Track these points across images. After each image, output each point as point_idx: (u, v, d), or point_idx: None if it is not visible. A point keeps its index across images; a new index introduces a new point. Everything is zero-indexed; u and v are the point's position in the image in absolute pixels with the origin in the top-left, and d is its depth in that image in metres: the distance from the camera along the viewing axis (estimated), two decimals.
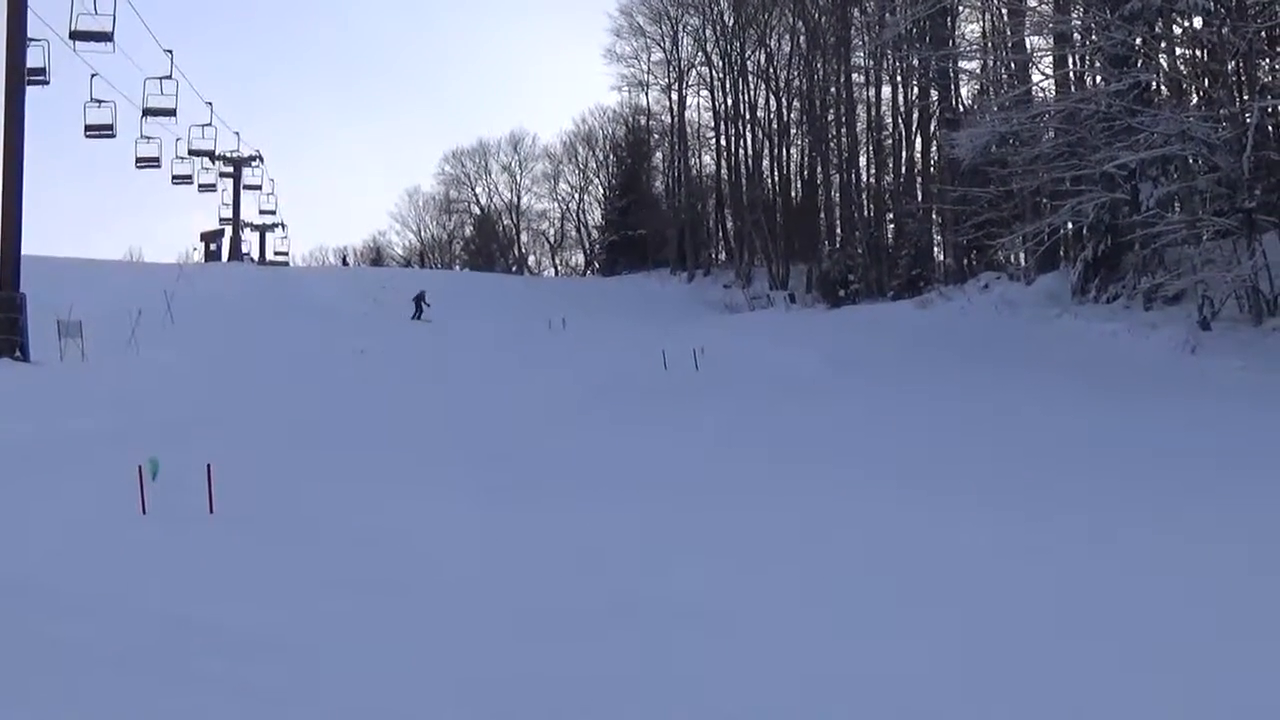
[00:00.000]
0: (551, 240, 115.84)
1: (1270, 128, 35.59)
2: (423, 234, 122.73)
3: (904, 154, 68.51)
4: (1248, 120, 32.37)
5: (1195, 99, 37.54)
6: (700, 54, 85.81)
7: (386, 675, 8.20)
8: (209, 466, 13.58)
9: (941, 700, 7.65)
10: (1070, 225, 43.09)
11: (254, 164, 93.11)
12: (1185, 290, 35.34)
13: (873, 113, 70.53)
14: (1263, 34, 35.29)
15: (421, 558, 11.73)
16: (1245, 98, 34.60)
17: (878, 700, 7.69)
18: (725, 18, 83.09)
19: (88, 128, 53.51)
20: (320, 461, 17.72)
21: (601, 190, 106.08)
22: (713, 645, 8.89)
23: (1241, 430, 20.71)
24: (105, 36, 42.48)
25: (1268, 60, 37.28)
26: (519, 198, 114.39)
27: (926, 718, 7.39)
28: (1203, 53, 37.60)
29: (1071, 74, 43.53)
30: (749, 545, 12.36)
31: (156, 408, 24.04)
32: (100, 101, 52.80)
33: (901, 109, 67.73)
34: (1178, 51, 38.32)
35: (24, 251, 39.01)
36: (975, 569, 11.25)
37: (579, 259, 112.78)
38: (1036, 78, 44.79)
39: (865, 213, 71.03)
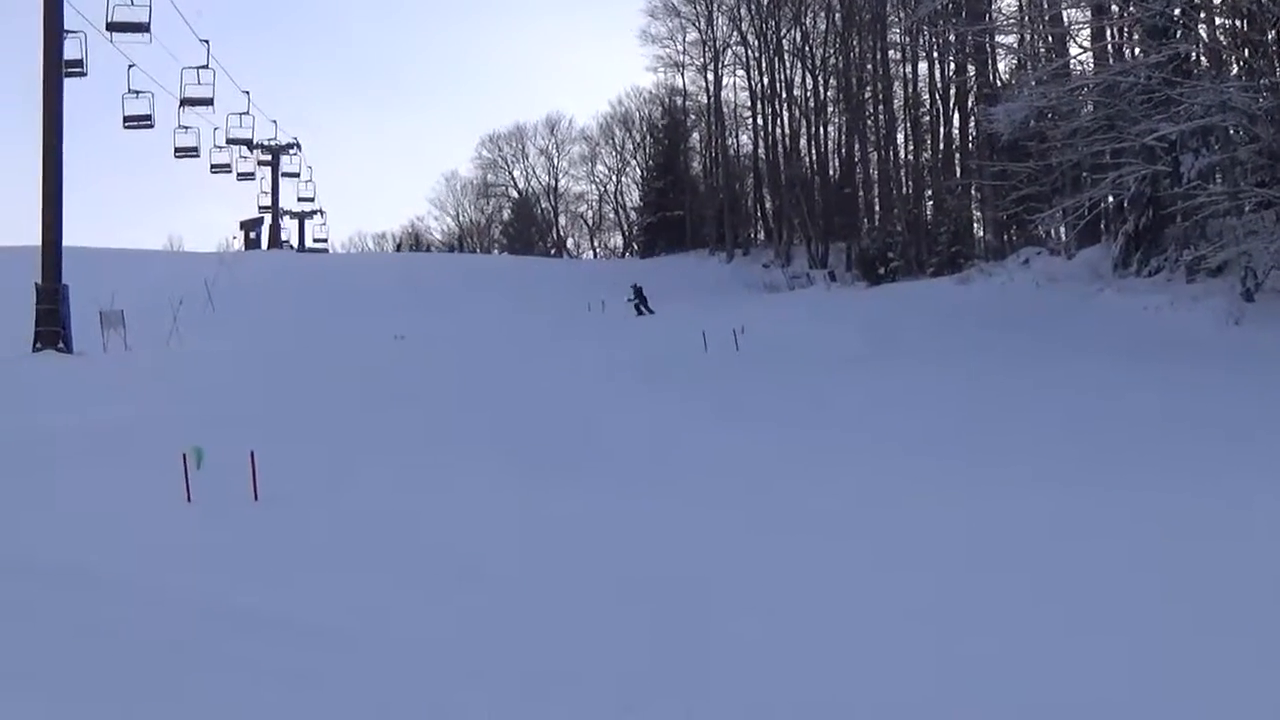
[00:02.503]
0: (590, 223, 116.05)
1: None
2: (461, 219, 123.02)
3: (942, 130, 68.15)
4: None
5: (1235, 69, 37.24)
6: (735, 33, 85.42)
7: (426, 659, 8.24)
8: (252, 454, 13.67)
9: (1018, 664, 7.67)
10: (1111, 198, 42.87)
11: (292, 152, 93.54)
12: (1228, 262, 35.08)
13: (910, 89, 70.25)
14: None
15: (463, 543, 11.80)
16: None
17: (953, 670, 7.71)
18: None
19: (126, 118, 53.82)
20: (362, 447, 17.79)
21: (639, 172, 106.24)
22: (765, 620, 8.92)
23: None
24: (142, 27, 42.70)
25: None
26: (556, 181, 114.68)
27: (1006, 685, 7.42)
28: (1242, 22, 37.30)
29: (1110, 46, 43.12)
30: (799, 523, 12.38)
31: (199, 396, 24.15)
32: (138, 92, 53.16)
33: (939, 85, 67.44)
34: (1217, 21, 38.06)
35: (65, 243, 39.21)
36: (1033, 543, 11.28)
37: (617, 241, 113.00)
38: (1074, 51, 44.56)
39: (904, 190, 70.87)
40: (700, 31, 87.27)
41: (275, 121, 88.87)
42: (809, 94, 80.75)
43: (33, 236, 40.13)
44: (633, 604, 9.59)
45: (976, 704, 7.30)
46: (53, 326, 37.57)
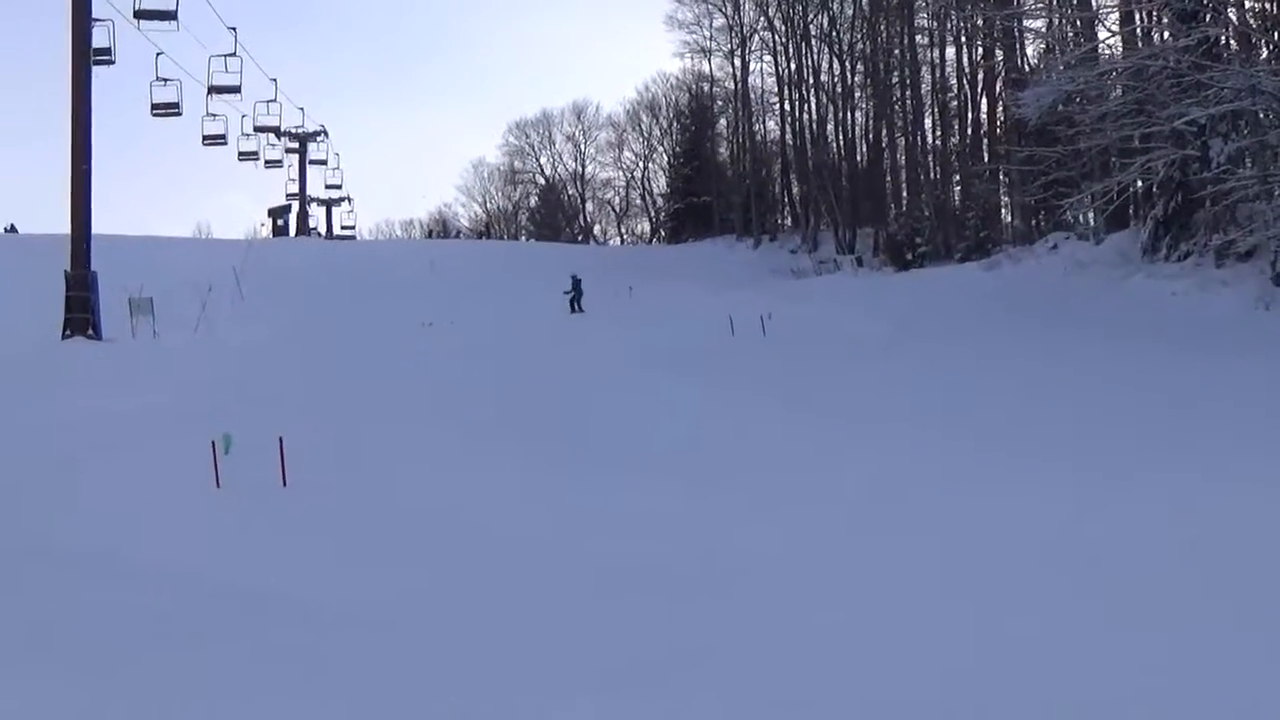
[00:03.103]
0: (617, 209, 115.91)
1: None
2: (488, 205, 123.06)
3: (969, 115, 68.02)
4: None
5: (1265, 53, 37.09)
6: (762, 18, 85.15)
7: (450, 642, 8.28)
8: (280, 440, 13.71)
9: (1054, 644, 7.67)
10: (1139, 183, 42.76)
11: (319, 139, 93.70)
12: (1257, 246, 34.99)
13: (937, 74, 70.07)
14: None
15: (491, 530, 11.82)
16: None
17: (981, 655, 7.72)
18: None
19: (154, 106, 53.82)
20: (390, 434, 17.80)
21: (666, 158, 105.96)
22: (797, 602, 8.95)
23: None
24: (169, 15, 42.69)
25: None
26: (583, 167, 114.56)
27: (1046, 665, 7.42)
28: (1273, 5, 37.15)
29: (1138, 30, 43.05)
30: (826, 505, 12.39)
31: (228, 383, 24.21)
32: (165, 80, 53.09)
33: (966, 70, 67.26)
34: (1246, 4, 37.91)
35: (94, 230, 39.35)
36: (1063, 529, 11.28)
37: (644, 227, 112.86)
38: (1103, 35, 44.41)
39: (931, 175, 70.74)
40: (727, 17, 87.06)
41: (303, 109, 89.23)
42: (836, 79, 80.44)
43: (62, 224, 40.34)
44: (658, 580, 9.63)
45: (1001, 685, 7.31)
46: (82, 314, 37.71)
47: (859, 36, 77.26)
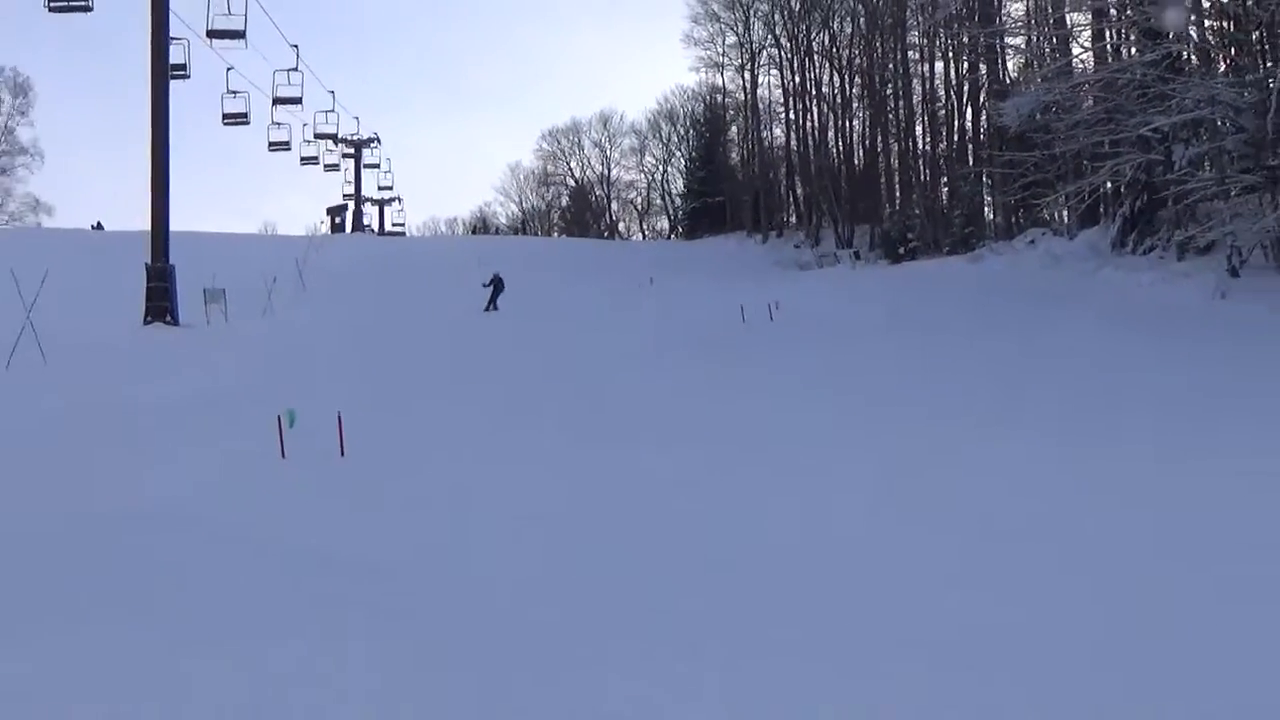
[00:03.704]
0: (639, 208, 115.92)
1: None
2: (523, 204, 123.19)
3: (956, 123, 67.67)
4: (1271, 85, 31.99)
5: (1223, 67, 36.98)
6: (770, 36, 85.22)
7: (494, 590, 8.33)
8: (339, 415, 13.79)
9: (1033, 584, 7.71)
10: (1109, 184, 42.66)
11: (372, 145, 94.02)
12: (1215, 242, 34.94)
13: (927, 86, 69.81)
14: None
15: (527, 493, 11.85)
16: (1269, 64, 34.16)
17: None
18: (792, 2, 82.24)
19: (225, 116, 53.98)
20: (437, 408, 17.82)
21: (683, 162, 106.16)
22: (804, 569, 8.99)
23: (1270, 368, 20.57)
24: (238, 34, 42.74)
25: None
26: (609, 170, 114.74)
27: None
28: (1229, 23, 37.01)
29: (1109, 46, 42.93)
30: (831, 480, 12.40)
31: (292, 364, 24.28)
32: (235, 92, 53.29)
33: (953, 82, 66.96)
34: (1206, 23, 37.79)
35: (172, 227, 39.48)
36: (1053, 494, 11.33)
37: (664, 224, 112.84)
38: (1076, 50, 44.59)
39: (922, 177, 70.56)
40: (738, 35, 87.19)
41: (357, 118, 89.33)
42: (836, 91, 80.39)
43: (143, 222, 40.40)
44: (681, 545, 9.65)
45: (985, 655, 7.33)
46: (161, 302, 37.85)
47: (857, 52, 77.14)
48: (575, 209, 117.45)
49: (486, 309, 42.92)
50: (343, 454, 13.45)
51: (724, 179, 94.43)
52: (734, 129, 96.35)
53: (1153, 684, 6.50)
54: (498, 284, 44.27)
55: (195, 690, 6.44)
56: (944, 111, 68.69)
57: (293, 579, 8.68)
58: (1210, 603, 7.87)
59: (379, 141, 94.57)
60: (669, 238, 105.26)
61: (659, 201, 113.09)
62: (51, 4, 39.00)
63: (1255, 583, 8.24)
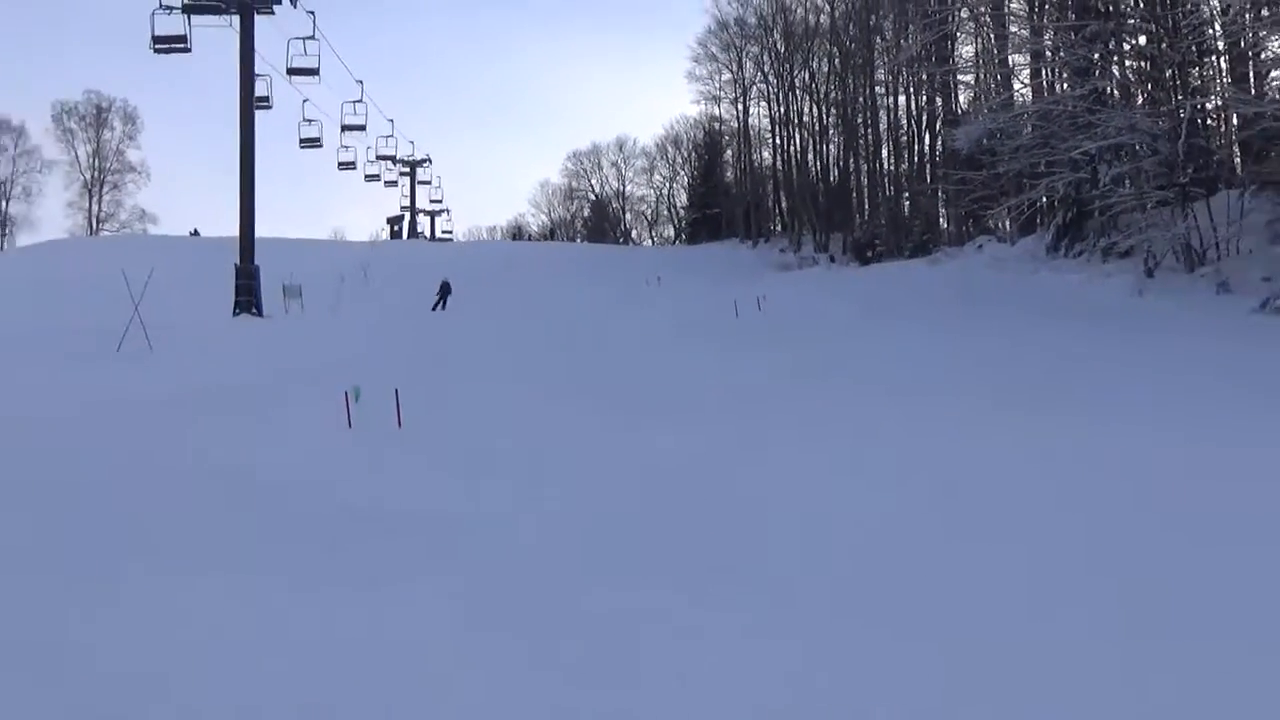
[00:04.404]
0: (649, 218, 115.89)
1: (1198, 121, 35.32)
2: (551, 215, 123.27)
3: (916, 147, 67.53)
4: (1181, 116, 32.19)
5: (1141, 100, 36.97)
6: (759, 74, 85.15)
7: (535, 539, 8.40)
8: (397, 391, 13.86)
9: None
10: (1045, 199, 42.57)
11: (425, 165, 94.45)
12: (1134, 247, 34.96)
13: (892, 116, 69.70)
14: (1192, 48, 34.89)
15: (563, 459, 11.89)
16: (1179, 98, 34.15)
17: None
18: (778, 46, 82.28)
19: (301, 140, 54.01)
20: (482, 386, 17.86)
21: (686, 179, 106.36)
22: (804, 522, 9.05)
23: (1178, 353, 20.65)
24: (313, 71, 42.77)
25: (1196, 69, 36.74)
26: (624, 186, 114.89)
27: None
28: (1147, 64, 37.00)
29: (1044, 82, 42.94)
30: (814, 446, 12.44)
31: (357, 348, 24.31)
32: (310, 120, 53.39)
33: (914, 113, 66.78)
34: (1127, 63, 37.83)
35: (256, 234, 39.61)
36: (998, 457, 11.36)
37: (670, 232, 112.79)
38: (1017, 86, 44.44)
39: (887, 192, 70.50)
40: (733, 73, 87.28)
41: (413, 142, 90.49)
42: (815, 120, 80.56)
43: (233, 228, 40.56)
44: (690, 500, 9.70)
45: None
46: (247, 296, 38.03)
47: (832, 88, 77.08)
48: (595, 219, 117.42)
49: (434, 308, 42.92)
50: (400, 425, 13.51)
51: (720, 194, 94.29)
52: (729, 152, 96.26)
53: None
54: (445, 288, 44.72)
55: (294, 625, 6.54)
56: (906, 137, 68.60)
57: (358, 529, 8.76)
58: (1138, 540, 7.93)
59: (431, 162, 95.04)
60: (674, 243, 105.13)
61: (665, 212, 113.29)
62: (156, 46, 39.05)
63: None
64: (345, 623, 6.49)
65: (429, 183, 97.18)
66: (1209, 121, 37.71)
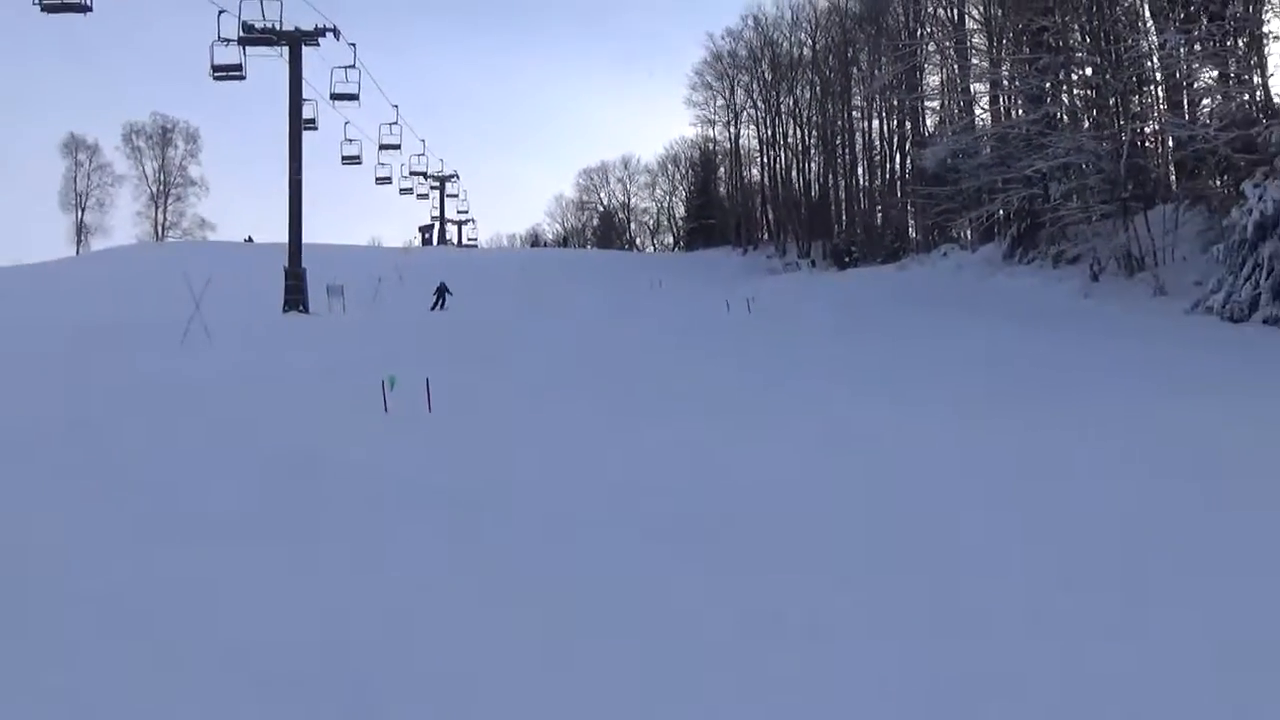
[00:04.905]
0: (651, 227, 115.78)
1: (1138, 143, 35.67)
2: (565, 224, 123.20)
3: (888, 165, 67.53)
4: (1123, 138, 32.66)
5: (1087, 124, 37.08)
6: (749, 100, 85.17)
7: (552, 511, 8.39)
8: (427, 380, 13.85)
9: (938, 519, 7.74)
10: (1001, 211, 42.59)
11: (453, 180, 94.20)
12: (1081, 254, 35.11)
13: (866, 137, 69.82)
14: (1133, 78, 35.08)
15: (575, 441, 11.87)
16: (1121, 123, 34.39)
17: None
18: (766, 75, 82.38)
19: (343, 158, 53.74)
20: (503, 376, 17.80)
21: (684, 193, 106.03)
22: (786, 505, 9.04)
23: (1121, 349, 20.68)
24: (354, 96, 42.59)
25: (1136, 96, 36.94)
26: (629, 199, 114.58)
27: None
28: (1092, 92, 37.11)
29: (1002, 108, 43.04)
30: (800, 431, 12.40)
31: (393, 342, 24.25)
32: (351, 140, 53.02)
33: (886, 135, 66.98)
34: (1075, 92, 37.93)
35: (304, 240, 39.62)
36: (953, 445, 11.33)
37: (670, 240, 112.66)
38: (978, 111, 44.86)
39: (862, 205, 70.71)
40: (725, 99, 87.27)
41: (442, 160, 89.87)
42: (798, 141, 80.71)
43: (283, 235, 40.50)
44: (692, 460, 9.68)
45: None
46: (296, 296, 37.98)
47: (814, 112, 77.21)
48: (604, 228, 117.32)
49: (433, 308, 42.60)
50: (430, 410, 13.50)
51: (715, 206, 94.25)
52: (722, 169, 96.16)
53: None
54: (442, 290, 44.46)
55: (337, 588, 6.54)
56: (879, 157, 68.69)
57: (393, 503, 8.76)
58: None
59: (458, 177, 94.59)
60: (673, 250, 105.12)
61: (666, 222, 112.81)
62: (215, 74, 38.91)
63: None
64: (362, 574, 6.48)
65: (456, 196, 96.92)
66: (1147, 144, 37.91)
